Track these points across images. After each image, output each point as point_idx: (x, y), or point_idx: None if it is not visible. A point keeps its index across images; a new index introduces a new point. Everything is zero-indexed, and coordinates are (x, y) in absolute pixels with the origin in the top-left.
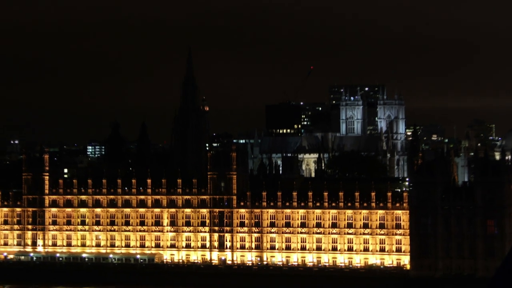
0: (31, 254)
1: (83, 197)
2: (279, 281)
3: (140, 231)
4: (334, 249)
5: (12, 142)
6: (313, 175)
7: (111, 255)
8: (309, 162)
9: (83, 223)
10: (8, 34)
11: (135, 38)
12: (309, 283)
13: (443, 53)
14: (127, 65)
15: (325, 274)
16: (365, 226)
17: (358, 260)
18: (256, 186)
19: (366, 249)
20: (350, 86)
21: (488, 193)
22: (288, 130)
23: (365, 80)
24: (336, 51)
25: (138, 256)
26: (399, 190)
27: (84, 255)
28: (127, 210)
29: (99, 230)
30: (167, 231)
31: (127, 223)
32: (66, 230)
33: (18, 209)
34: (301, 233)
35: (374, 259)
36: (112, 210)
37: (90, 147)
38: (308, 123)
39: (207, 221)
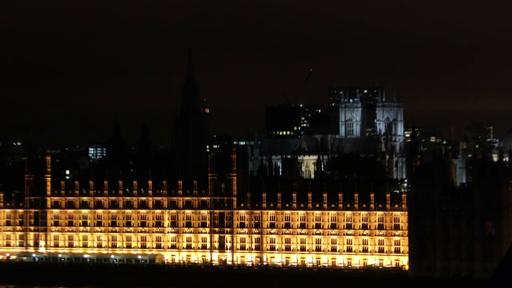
0: (33, 255)
1: (85, 198)
2: (279, 282)
3: (141, 232)
4: (334, 250)
5: (14, 143)
6: (312, 176)
7: (112, 256)
8: (308, 163)
9: (84, 224)
10: (8, 35)
11: (135, 38)
12: (309, 283)
13: (443, 53)
14: (128, 66)
15: (325, 274)
16: (364, 227)
17: (357, 260)
18: (256, 187)
19: (365, 250)
20: (349, 89)
21: (486, 194)
22: (288, 132)
23: (365, 80)
24: (336, 51)
25: (139, 256)
26: (398, 191)
27: (85, 255)
28: (128, 211)
29: (101, 231)
30: (168, 232)
31: (128, 224)
32: (68, 231)
33: (21, 210)
34: (301, 234)
35: (373, 260)
36: (113, 211)
37: (91, 149)
38: (308, 125)
39: (208, 222)
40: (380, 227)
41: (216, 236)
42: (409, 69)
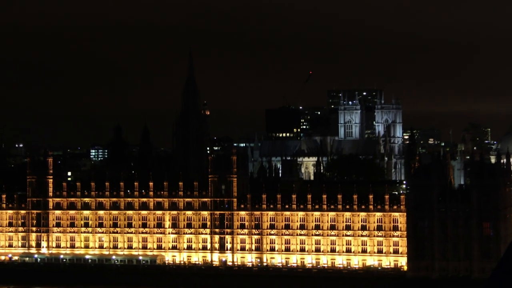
0: (35, 256)
1: (86, 199)
2: (279, 282)
3: (142, 233)
4: (333, 250)
5: (16, 145)
6: (312, 178)
7: (114, 257)
8: (308, 165)
9: (86, 225)
10: (8, 36)
11: (135, 39)
12: (308, 284)
13: (443, 54)
14: (128, 66)
15: (324, 275)
16: (363, 228)
17: (356, 261)
18: (256, 189)
19: (364, 251)
20: (348, 91)
21: (483, 196)
22: (288, 134)
23: (364, 81)
24: (336, 51)
25: (141, 257)
26: (397, 192)
27: (87, 256)
28: (130, 212)
29: (102, 232)
30: (169, 233)
31: (129, 225)
32: (70, 232)
33: (23, 212)
34: (300, 235)
35: (372, 261)
36: (114, 212)
37: (93, 151)
38: (307, 127)
39: (208, 223)
40: (379, 228)
41: (216, 237)
42: (409, 69)
